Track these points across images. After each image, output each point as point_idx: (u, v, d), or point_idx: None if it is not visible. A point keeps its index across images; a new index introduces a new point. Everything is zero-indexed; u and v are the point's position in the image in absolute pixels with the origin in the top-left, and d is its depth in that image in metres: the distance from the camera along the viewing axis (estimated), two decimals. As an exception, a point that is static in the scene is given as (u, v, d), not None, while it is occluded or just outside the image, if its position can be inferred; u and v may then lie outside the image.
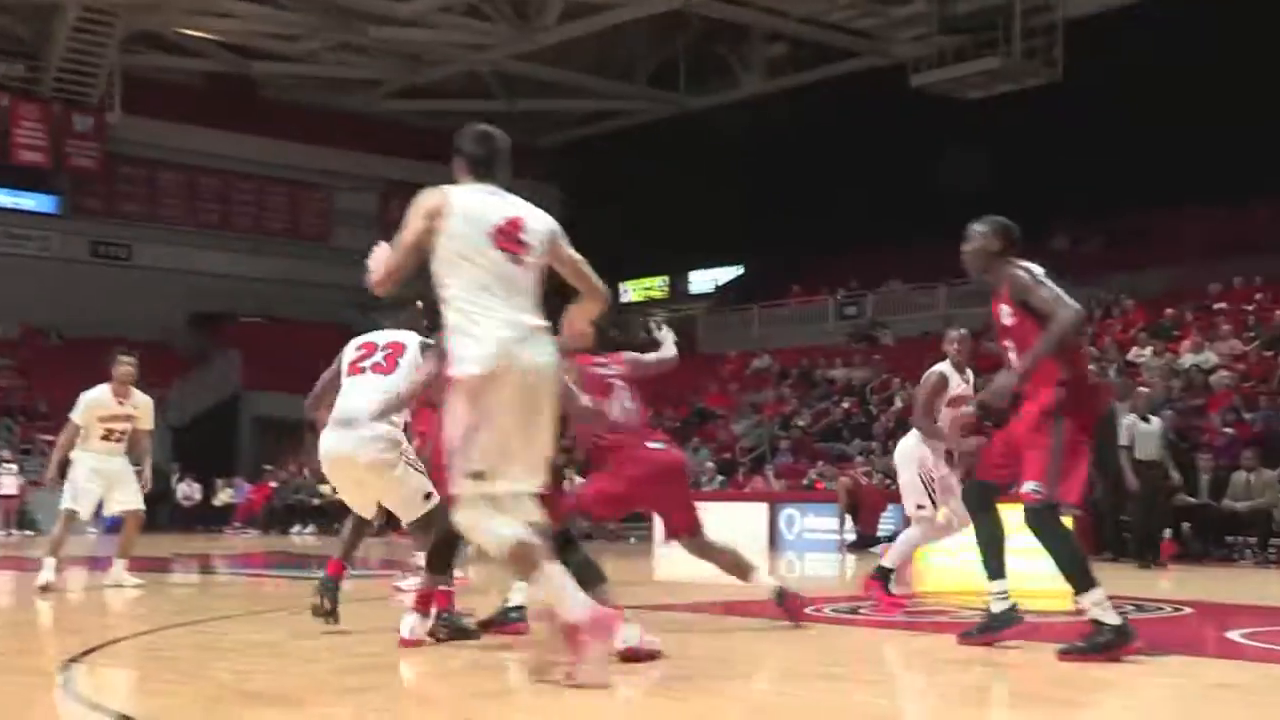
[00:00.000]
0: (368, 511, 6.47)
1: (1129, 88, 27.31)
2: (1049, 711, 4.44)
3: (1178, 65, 26.25)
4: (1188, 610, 7.98)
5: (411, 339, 6.35)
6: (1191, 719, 4.41)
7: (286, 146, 34.60)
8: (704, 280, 42.83)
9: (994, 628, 5.70)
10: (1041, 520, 5.31)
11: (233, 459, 30.67)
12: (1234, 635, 6.45)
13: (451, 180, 4.90)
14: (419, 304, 6.38)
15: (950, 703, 4.70)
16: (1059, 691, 4.76)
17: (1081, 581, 5.31)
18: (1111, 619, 5.28)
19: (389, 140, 34.59)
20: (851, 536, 17.79)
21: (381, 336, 6.39)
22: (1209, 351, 19.14)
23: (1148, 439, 13.79)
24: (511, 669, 5.27)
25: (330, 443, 6.24)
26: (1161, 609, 7.86)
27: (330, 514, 21.76)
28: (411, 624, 5.81)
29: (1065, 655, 5.28)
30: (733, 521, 19.82)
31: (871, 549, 17.24)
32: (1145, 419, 13.90)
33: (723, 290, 40.03)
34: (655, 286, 44.87)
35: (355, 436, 6.16)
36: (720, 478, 22.15)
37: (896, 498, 18.18)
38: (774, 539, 19.19)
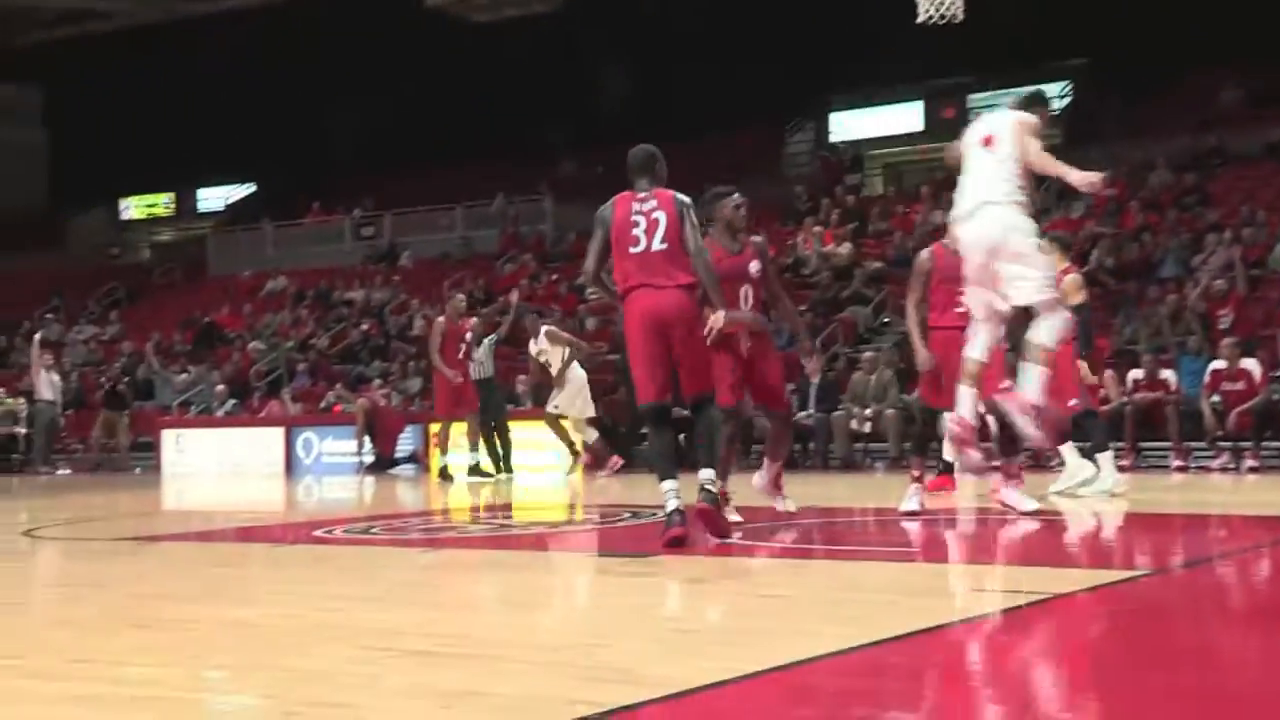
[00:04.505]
0: None
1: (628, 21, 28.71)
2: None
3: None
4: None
5: None
6: (668, 608, 4.84)
7: None
8: (214, 198, 41.07)
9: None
10: None
11: None
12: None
13: None
14: None
15: (450, 609, 4.90)
16: (537, 597, 5.08)
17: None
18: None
19: None
20: (370, 458, 17.84)
21: None
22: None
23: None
24: None
25: None
26: (655, 514, 8.48)
27: None
28: None
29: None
30: (248, 447, 19.40)
31: (389, 470, 17.42)
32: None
33: (233, 208, 38.53)
34: (160, 204, 42.53)
35: None
36: (233, 402, 21.49)
37: (414, 419, 18.37)
38: (290, 463, 18.92)
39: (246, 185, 39.64)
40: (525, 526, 8.55)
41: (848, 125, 30.53)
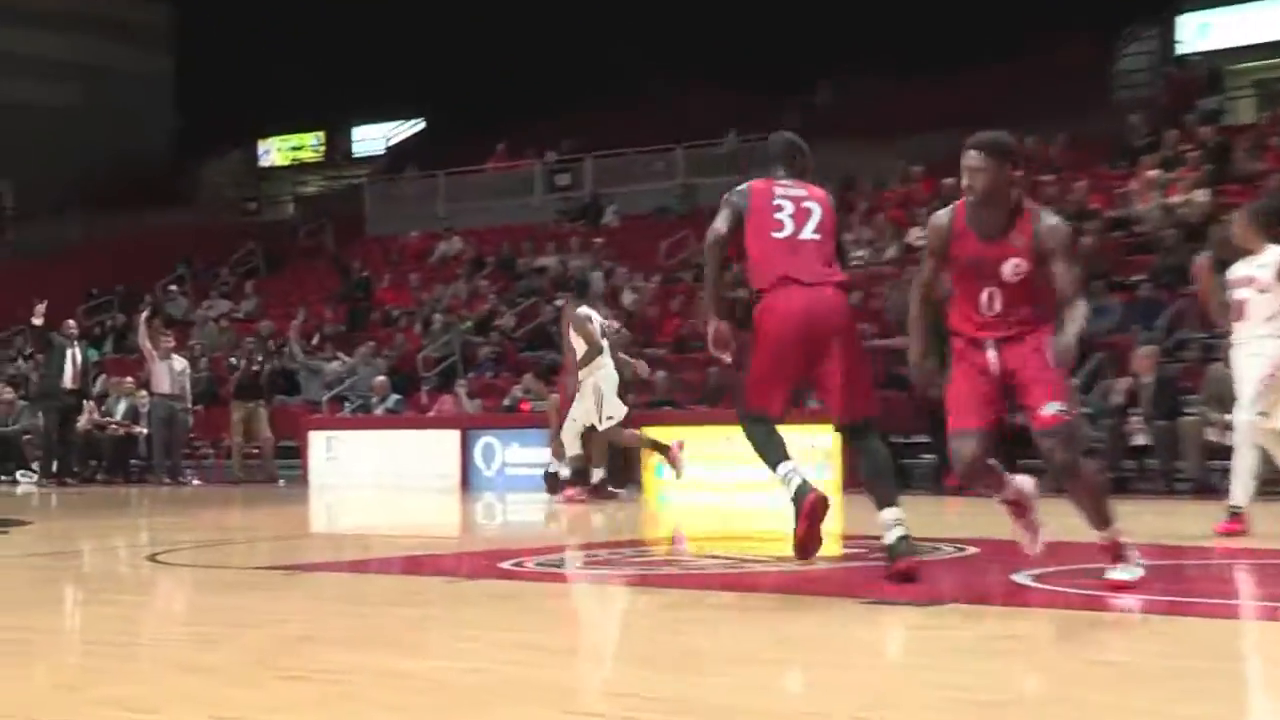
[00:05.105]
0: None
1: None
2: (782, 673, 4.74)
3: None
4: (971, 550, 8.52)
5: None
6: (962, 672, 4.77)
7: None
8: (372, 138, 42.37)
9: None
10: None
11: None
12: (1020, 578, 6.97)
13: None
14: None
15: (668, 666, 4.94)
16: (786, 653, 5.07)
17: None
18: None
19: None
20: (565, 470, 18.05)
21: None
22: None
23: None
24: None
25: None
26: (939, 549, 8.39)
27: None
28: None
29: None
30: (417, 453, 19.89)
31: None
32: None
33: (396, 151, 39.68)
34: (307, 146, 44.08)
35: None
36: (397, 397, 22.13)
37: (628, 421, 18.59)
38: (467, 475, 19.32)
39: (413, 123, 40.80)
40: (763, 561, 8.54)
41: (1204, 31, 29.54)
